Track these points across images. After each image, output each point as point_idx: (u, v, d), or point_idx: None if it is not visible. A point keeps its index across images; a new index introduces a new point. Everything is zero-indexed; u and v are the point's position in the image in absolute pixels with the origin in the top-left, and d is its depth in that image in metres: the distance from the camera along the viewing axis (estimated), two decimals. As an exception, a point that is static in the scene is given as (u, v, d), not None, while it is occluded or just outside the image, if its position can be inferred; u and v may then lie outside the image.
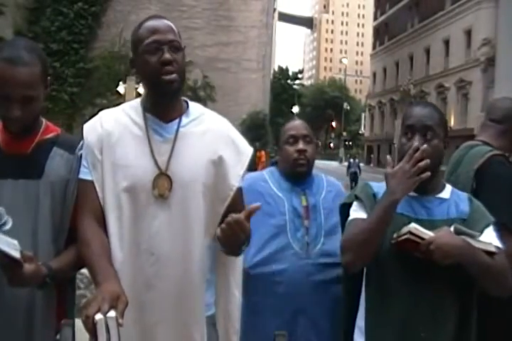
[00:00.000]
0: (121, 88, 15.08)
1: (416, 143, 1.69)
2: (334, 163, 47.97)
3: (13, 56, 1.56)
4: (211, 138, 1.65)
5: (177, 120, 1.64)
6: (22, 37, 1.80)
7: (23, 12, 15.68)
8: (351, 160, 24.33)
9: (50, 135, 1.73)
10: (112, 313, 1.28)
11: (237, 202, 1.68)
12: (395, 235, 1.66)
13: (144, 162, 1.58)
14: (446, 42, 35.37)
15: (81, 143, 1.74)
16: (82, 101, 16.58)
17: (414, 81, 39.00)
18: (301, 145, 2.19)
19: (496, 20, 28.41)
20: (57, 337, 1.56)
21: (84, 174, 1.63)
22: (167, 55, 1.55)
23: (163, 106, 1.63)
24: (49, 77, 1.68)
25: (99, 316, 1.26)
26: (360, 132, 58.67)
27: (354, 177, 21.97)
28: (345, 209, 1.87)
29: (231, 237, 1.43)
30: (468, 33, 32.33)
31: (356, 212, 1.78)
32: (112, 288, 1.37)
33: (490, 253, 1.65)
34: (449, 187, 1.83)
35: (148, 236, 1.55)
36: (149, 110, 1.64)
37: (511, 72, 24.57)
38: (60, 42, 15.99)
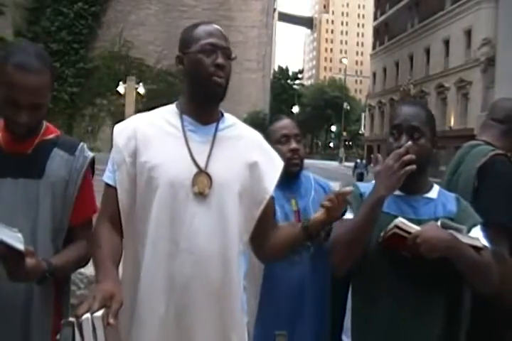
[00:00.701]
0: (121, 88, 15.10)
1: (402, 142, 1.70)
2: (334, 163, 48.03)
3: (26, 63, 1.57)
4: (246, 144, 1.68)
5: (214, 123, 1.65)
6: (29, 41, 1.80)
7: (23, 12, 15.70)
8: (358, 160, 24.20)
9: (51, 136, 1.74)
10: (98, 313, 1.25)
11: (270, 209, 1.70)
12: (382, 233, 1.66)
13: (181, 160, 1.58)
14: (446, 42, 35.37)
15: (80, 144, 1.76)
16: (82, 101, 16.59)
17: (414, 81, 39.00)
18: (294, 145, 2.18)
19: (496, 20, 28.42)
20: (58, 337, 1.56)
21: (108, 178, 1.62)
22: (221, 60, 1.58)
23: (203, 108, 1.65)
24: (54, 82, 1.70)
25: (85, 316, 1.24)
26: (360, 132, 58.71)
27: (361, 178, 21.97)
28: None
29: (335, 210, 1.60)
30: (468, 33, 32.32)
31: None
32: (107, 287, 1.36)
33: (477, 249, 1.65)
34: (436, 188, 1.83)
35: (188, 235, 1.54)
36: (186, 112, 1.65)
37: (511, 72, 24.58)
38: (60, 42, 16.02)
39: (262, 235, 1.68)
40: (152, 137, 1.61)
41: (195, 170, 1.57)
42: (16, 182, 1.63)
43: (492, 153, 2.17)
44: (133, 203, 1.59)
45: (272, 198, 1.70)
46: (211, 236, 1.54)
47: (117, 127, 1.67)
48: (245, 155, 1.65)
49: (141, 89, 15.59)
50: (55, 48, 15.13)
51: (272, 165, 1.71)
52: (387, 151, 1.75)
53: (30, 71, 1.56)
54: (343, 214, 1.83)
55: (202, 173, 1.57)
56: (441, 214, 1.74)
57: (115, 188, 1.59)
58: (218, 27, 1.66)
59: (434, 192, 1.81)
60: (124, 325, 1.57)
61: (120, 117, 15.42)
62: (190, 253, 1.53)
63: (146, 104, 16.26)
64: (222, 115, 1.70)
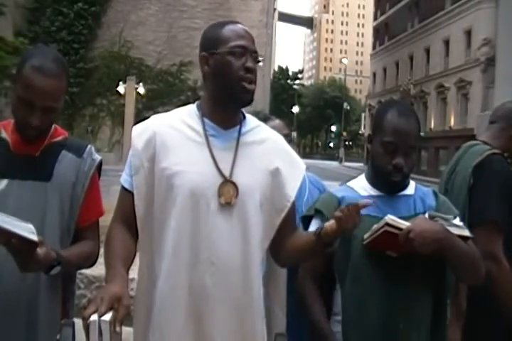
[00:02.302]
0: (121, 88, 15.09)
1: (398, 162, 1.71)
2: (334, 163, 48.05)
3: (43, 66, 1.60)
4: (268, 149, 1.63)
5: (236, 127, 1.60)
6: (47, 46, 1.83)
7: (23, 12, 15.71)
8: None
9: (59, 138, 1.76)
10: (106, 317, 1.25)
11: (290, 215, 1.65)
12: (366, 235, 1.65)
13: (204, 169, 1.53)
14: (446, 42, 35.35)
15: (88, 147, 1.77)
16: (82, 101, 16.58)
17: (414, 81, 38.98)
18: None
19: (495, 20, 28.41)
20: (58, 337, 1.57)
21: (125, 181, 1.58)
22: (251, 63, 1.54)
23: (227, 113, 1.59)
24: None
25: (93, 317, 1.24)
26: (360, 132, 58.69)
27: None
28: (306, 220, 1.87)
29: (346, 222, 1.46)
30: (468, 33, 32.31)
31: None
32: (114, 289, 1.34)
33: (464, 238, 1.68)
34: (412, 184, 1.84)
35: (208, 245, 1.50)
36: (207, 115, 1.60)
37: (511, 72, 24.58)
38: (60, 42, 16.02)
39: (280, 240, 1.64)
40: (172, 142, 1.56)
41: (220, 179, 1.52)
42: (25, 184, 1.64)
43: (488, 152, 2.20)
44: (150, 209, 1.55)
45: (293, 204, 1.66)
46: (232, 246, 1.51)
47: (136, 129, 1.62)
48: (267, 161, 1.60)
49: (141, 89, 15.57)
50: (55, 48, 15.11)
51: (294, 172, 1.66)
52: (378, 163, 1.76)
53: (47, 74, 1.59)
54: (309, 224, 1.84)
55: (228, 183, 1.52)
56: (421, 209, 1.76)
57: (131, 193, 1.56)
58: (245, 27, 1.60)
59: (411, 188, 1.82)
60: (139, 332, 1.57)
61: (120, 117, 15.42)
62: (210, 263, 1.50)
63: (146, 104, 16.26)
64: (244, 117, 1.66)
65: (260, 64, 1.63)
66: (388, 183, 1.76)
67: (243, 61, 1.53)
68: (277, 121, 2.34)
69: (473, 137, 2.49)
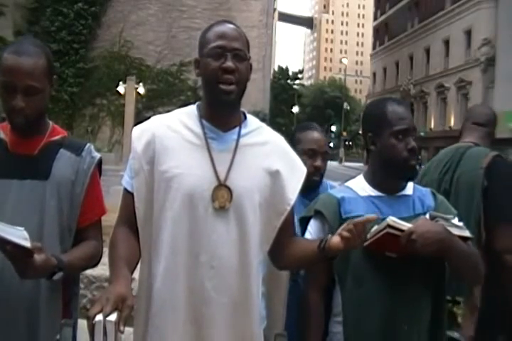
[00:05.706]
0: (121, 88, 15.08)
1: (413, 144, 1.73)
2: (334, 163, 48.03)
3: (19, 48, 1.61)
4: (269, 151, 1.62)
5: (236, 129, 1.59)
6: (29, 36, 1.88)
7: (23, 12, 15.69)
8: None
9: (57, 137, 1.75)
10: (112, 317, 1.25)
11: (290, 218, 1.65)
12: (368, 236, 1.64)
13: (202, 171, 1.53)
14: (446, 42, 35.34)
15: (87, 145, 1.77)
16: (82, 101, 16.56)
17: (414, 81, 38.98)
18: (319, 162, 2.20)
19: (495, 20, 28.42)
20: (58, 337, 1.57)
21: (126, 183, 1.59)
22: (229, 63, 1.51)
23: (221, 114, 1.59)
24: (54, 76, 1.71)
25: (98, 317, 1.24)
26: (360, 132, 58.52)
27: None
28: (303, 221, 1.87)
29: (354, 240, 1.48)
30: (468, 33, 32.29)
31: (310, 235, 1.80)
32: (119, 289, 1.33)
33: (463, 239, 1.69)
34: (410, 184, 1.84)
35: (207, 248, 1.50)
36: (206, 117, 1.59)
37: (511, 72, 24.59)
38: (60, 42, 16.00)
39: (278, 245, 1.63)
40: (171, 144, 1.55)
41: (215, 182, 1.52)
42: (23, 184, 1.64)
43: (493, 154, 2.30)
44: (149, 211, 1.56)
45: (293, 207, 1.65)
46: (231, 249, 1.51)
47: (136, 131, 1.61)
48: (267, 163, 1.59)
49: (141, 89, 15.55)
50: (55, 48, 15.06)
51: (295, 174, 1.64)
52: (392, 155, 1.74)
53: (23, 54, 1.60)
54: (307, 225, 1.84)
55: (222, 187, 1.52)
56: (420, 210, 1.76)
57: (133, 194, 1.56)
58: (233, 26, 1.58)
59: (410, 188, 1.83)
60: (139, 334, 1.58)
61: (120, 117, 15.41)
62: (210, 266, 1.50)
63: (146, 104, 16.25)
64: (246, 118, 1.65)
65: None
66: (408, 170, 1.75)
67: (221, 62, 1.52)
68: (319, 135, 2.25)
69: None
